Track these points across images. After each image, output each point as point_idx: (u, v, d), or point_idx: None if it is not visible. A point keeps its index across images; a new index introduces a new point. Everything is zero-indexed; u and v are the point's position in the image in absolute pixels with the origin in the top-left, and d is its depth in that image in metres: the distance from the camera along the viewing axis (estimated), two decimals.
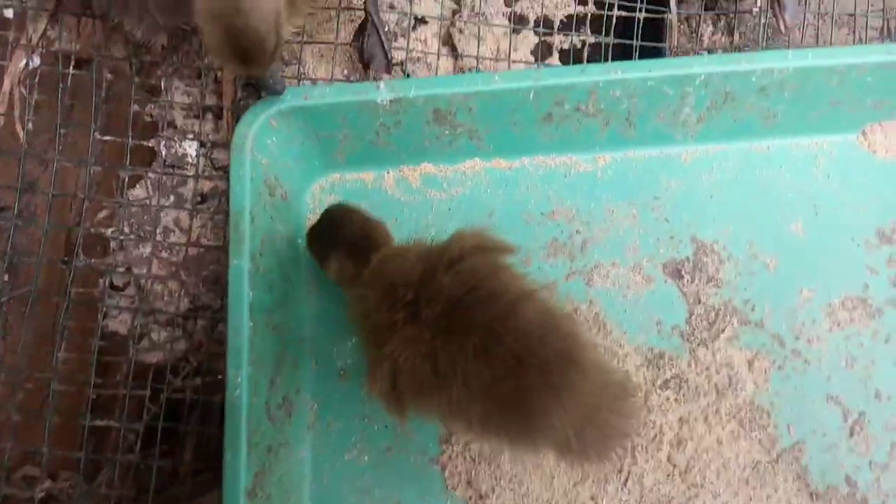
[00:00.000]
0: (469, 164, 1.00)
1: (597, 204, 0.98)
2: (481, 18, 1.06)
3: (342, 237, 0.82)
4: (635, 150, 0.99)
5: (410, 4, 1.06)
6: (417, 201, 0.99)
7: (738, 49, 1.04)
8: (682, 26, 1.06)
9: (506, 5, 1.08)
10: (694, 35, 1.06)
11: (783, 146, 0.99)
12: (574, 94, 0.91)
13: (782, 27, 0.96)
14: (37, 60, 1.03)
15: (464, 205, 0.98)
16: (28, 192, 1.01)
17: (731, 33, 1.05)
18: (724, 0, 1.06)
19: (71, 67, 1.01)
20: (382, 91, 0.90)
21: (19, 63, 1.03)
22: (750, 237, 0.96)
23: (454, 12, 1.08)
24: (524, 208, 0.98)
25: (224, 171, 1.01)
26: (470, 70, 1.05)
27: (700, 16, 1.06)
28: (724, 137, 0.98)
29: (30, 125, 1.02)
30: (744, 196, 0.98)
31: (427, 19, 1.07)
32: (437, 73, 1.04)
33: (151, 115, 1.05)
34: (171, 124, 1.04)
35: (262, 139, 0.89)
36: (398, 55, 1.04)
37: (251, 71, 0.78)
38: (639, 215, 0.97)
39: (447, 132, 0.95)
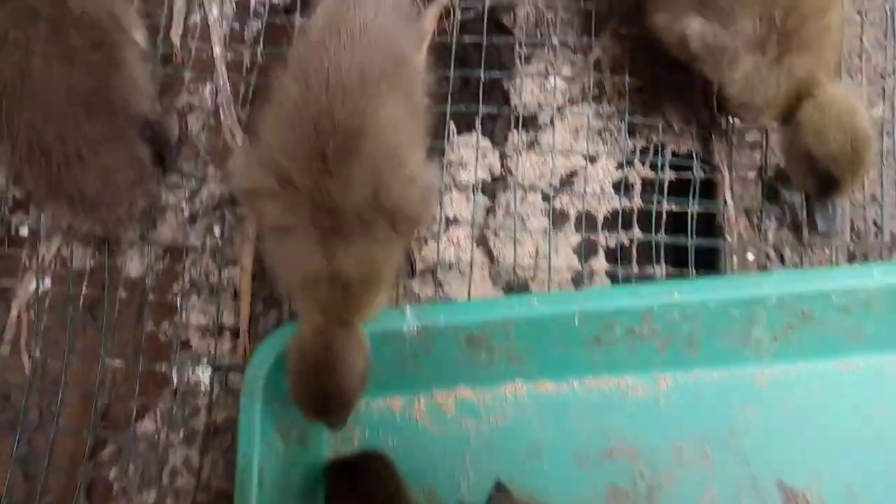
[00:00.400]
0: (510, 387, 0.89)
1: (663, 439, 0.84)
2: (517, 219, 0.97)
3: (362, 490, 0.75)
4: (701, 371, 0.87)
5: (441, 205, 0.98)
6: (452, 434, 0.87)
7: (809, 246, 0.93)
8: (741, 221, 0.96)
9: (543, 200, 1.00)
10: (756, 231, 0.95)
11: (876, 364, 0.86)
12: (625, 318, 0.81)
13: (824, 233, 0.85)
14: (48, 282, 0.98)
15: (506, 439, 0.87)
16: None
17: (797, 228, 0.94)
18: (786, 191, 0.95)
19: (84, 286, 0.97)
20: (409, 319, 0.82)
21: (29, 286, 0.98)
22: (848, 481, 0.81)
23: (488, 210, 1.00)
24: (576, 444, 0.85)
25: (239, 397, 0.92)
26: (507, 276, 0.96)
27: (761, 210, 0.95)
28: (804, 356, 0.85)
29: (37, 352, 0.96)
30: (835, 426, 0.83)
31: (459, 219, 0.99)
32: (471, 283, 0.95)
33: (166, 335, 0.98)
34: (186, 344, 0.97)
35: (276, 380, 0.79)
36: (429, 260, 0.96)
37: (328, 423, 0.74)
38: (713, 455, 0.83)
39: (483, 355, 0.85)
